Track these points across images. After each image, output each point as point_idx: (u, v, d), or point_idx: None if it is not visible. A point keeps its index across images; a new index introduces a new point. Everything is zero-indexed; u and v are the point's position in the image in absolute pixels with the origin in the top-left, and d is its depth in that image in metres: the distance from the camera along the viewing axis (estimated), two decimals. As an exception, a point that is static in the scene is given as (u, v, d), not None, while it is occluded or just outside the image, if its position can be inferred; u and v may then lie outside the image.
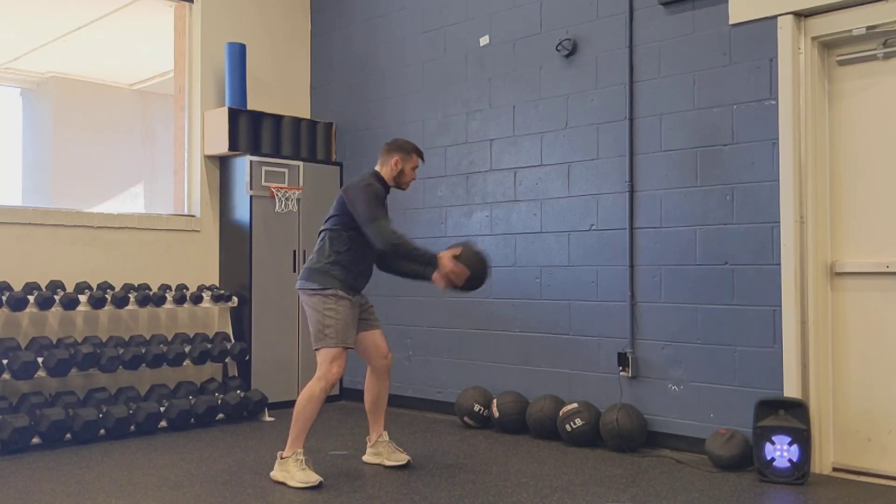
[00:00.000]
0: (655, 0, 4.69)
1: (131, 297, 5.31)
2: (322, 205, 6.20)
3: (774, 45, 4.22)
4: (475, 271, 3.89)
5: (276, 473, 3.93)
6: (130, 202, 9.67)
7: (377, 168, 4.14)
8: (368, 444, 4.31)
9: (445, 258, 3.84)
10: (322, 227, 4.07)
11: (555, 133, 5.15)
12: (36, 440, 4.61)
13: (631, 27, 4.80)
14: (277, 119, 6.22)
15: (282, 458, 3.92)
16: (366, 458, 4.32)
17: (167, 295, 5.54)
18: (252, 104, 6.19)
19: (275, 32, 6.56)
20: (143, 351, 5.20)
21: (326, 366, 3.86)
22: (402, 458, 4.19)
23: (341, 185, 6.24)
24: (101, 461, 4.36)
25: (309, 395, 3.87)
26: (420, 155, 4.20)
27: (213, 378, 5.68)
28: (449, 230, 5.71)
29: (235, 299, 5.85)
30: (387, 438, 4.25)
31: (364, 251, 3.99)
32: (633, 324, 4.74)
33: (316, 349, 3.93)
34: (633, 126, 4.79)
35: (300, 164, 6.16)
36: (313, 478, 3.81)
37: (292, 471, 3.85)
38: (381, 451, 4.23)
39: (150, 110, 9.85)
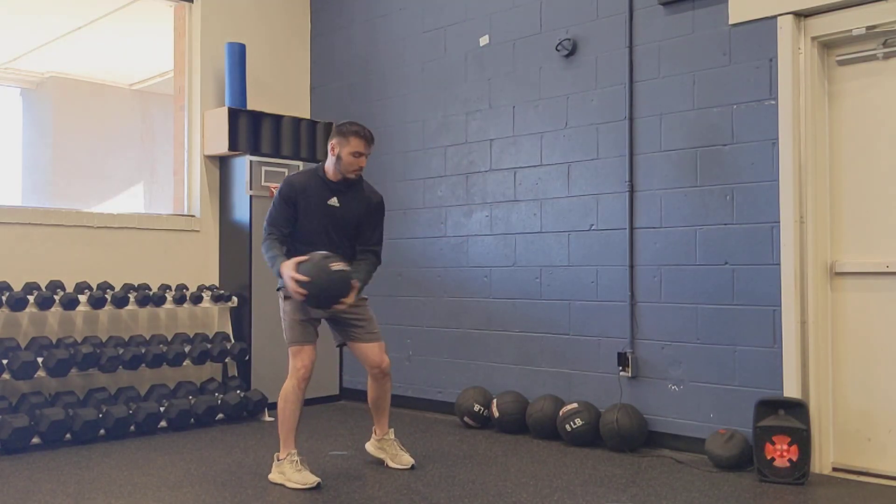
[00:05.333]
0: (655, 0, 4.69)
1: (131, 297, 5.31)
2: (322, 205, 6.21)
3: (774, 45, 4.22)
4: (317, 281, 3.64)
5: (273, 476, 3.93)
6: (130, 202, 9.68)
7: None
8: (374, 435, 4.30)
9: (287, 266, 3.70)
10: None
11: (555, 133, 5.15)
12: (36, 440, 4.61)
13: (631, 27, 4.80)
14: (277, 119, 6.22)
15: (278, 461, 3.93)
16: (368, 447, 4.31)
17: (167, 295, 5.54)
18: (252, 104, 6.19)
19: (275, 32, 6.56)
20: (143, 351, 5.20)
21: (291, 363, 3.92)
22: (407, 460, 4.18)
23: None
24: (101, 461, 4.36)
25: (283, 396, 3.92)
26: (363, 137, 3.87)
27: (213, 378, 5.68)
28: (449, 230, 5.71)
29: (235, 299, 5.85)
30: (392, 437, 4.25)
31: (302, 253, 3.84)
32: (633, 324, 4.74)
33: None
34: (633, 126, 4.79)
35: (300, 164, 6.15)
36: (310, 479, 3.81)
37: (288, 472, 3.85)
38: (385, 449, 4.23)
39: (149, 110, 9.86)
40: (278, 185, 5.85)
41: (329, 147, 3.95)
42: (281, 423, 3.92)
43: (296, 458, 3.87)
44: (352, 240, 4.07)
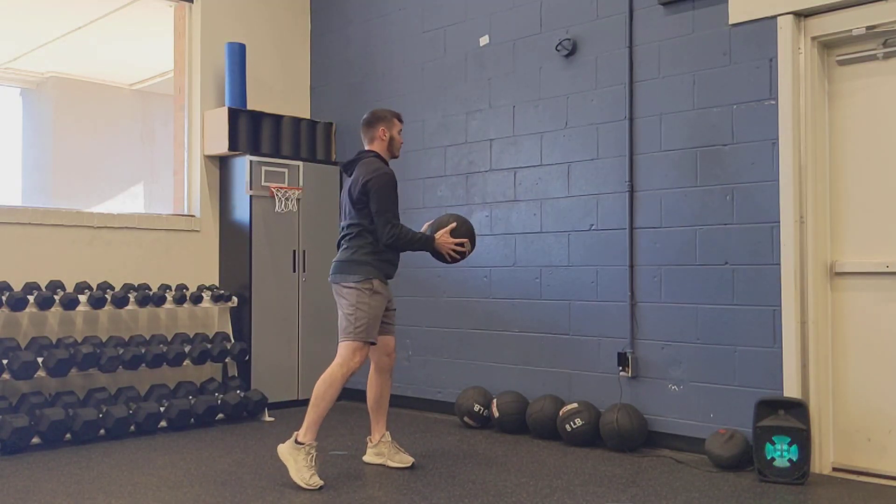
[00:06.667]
0: (655, 0, 4.69)
1: (131, 297, 5.31)
2: (322, 205, 6.22)
3: (774, 45, 4.22)
4: (472, 239, 4.20)
5: (284, 452, 3.87)
6: (130, 202, 9.68)
7: (368, 147, 4.17)
8: (369, 444, 4.30)
9: (442, 238, 4.09)
10: (350, 221, 4.05)
11: (555, 133, 5.15)
12: (36, 440, 4.61)
13: (631, 27, 4.80)
14: (277, 119, 6.22)
15: (297, 443, 3.86)
16: (366, 458, 4.31)
17: (167, 295, 5.54)
18: (252, 104, 6.19)
19: (275, 32, 6.56)
20: (143, 351, 5.20)
21: (350, 354, 3.93)
22: (407, 459, 4.19)
23: (341, 186, 6.25)
24: (101, 461, 4.36)
25: (331, 380, 3.90)
26: (399, 117, 4.24)
27: (213, 378, 5.68)
28: (449, 230, 5.70)
29: (235, 299, 5.85)
30: (389, 439, 4.25)
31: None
32: (633, 324, 4.74)
33: (342, 341, 3.97)
34: (633, 126, 4.79)
35: (300, 164, 6.16)
36: (316, 482, 3.80)
37: (300, 464, 3.82)
38: (383, 452, 4.23)
39: (150, 110, 9.86)
40: (278, 185, 5.92)
41: (379, 133, 4.14)
42: (315, 406, 3.88)
43: (314, 452, 3.86)
44: None
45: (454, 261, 4.16)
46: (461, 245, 4.11)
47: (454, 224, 4.12)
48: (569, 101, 5.09)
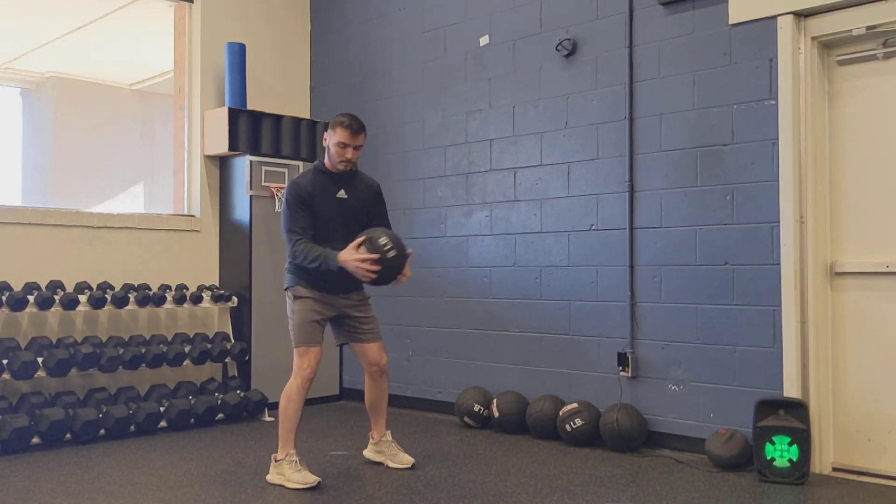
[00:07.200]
0: (655, 0, 4.69)
1: (131, 297, 5.31)
2: (322, 205, 6.21)
3: (774, 45, 4.22)
4: (382, 259, 3.69)
5: (271, 477, 3.92)
6: (130, 202, 9.68)
7: None
8: (371, 441, 4.31)
9: (345, 254, 3.70)
10: None
11: (555, 133, 5.15)
12: (36, 440, 4.61)
13: (631, 27, 4.80)
14: (277, 119, 6.22)
15: (276, 461, 3.91)
16: (366, 453, 4.32)
17: (167, 295, 5.54)
18: (252, 104, 6.19)
19: (275, 32, 6.56)
20: (143, 351, 5.20)
21: (297, 362, 3.90)
22: (407, 459, 4.19)
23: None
24: (101, 461, 4.36)
25: (287, 395, 3.90)
26: (347, 127, 3.83)
27: (213, 378, 5.68)
28: (448, 230, 5.71)
29: (235, 299, 5.85)
30: (390, 439, 4.25)
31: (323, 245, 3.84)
32: (633, 324, 4.74)
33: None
34: (633, 126, 4.79)
35: (300, 164, 6.15)
36: (310, 478, 3.80)
37: (287, 473, 3.84)
38: (384, 451, 4.23)
39: (150, 110, 9.86)
40: (279, 185, 5.92)
41: (323, 139, 4.00)
42: (282, 422, 3.91)
43: (294, 458, 3.87)
44: (364, 229, 3.99)
45: (374, 281, 3.73)
46: (372, 262, 3.64)
47: (362, 238, 3.72)
48: (569, 101, 5.09)
